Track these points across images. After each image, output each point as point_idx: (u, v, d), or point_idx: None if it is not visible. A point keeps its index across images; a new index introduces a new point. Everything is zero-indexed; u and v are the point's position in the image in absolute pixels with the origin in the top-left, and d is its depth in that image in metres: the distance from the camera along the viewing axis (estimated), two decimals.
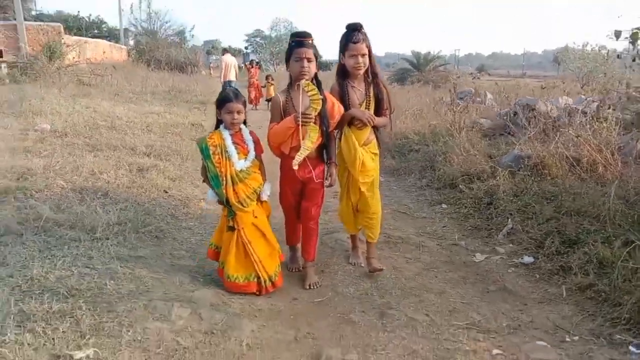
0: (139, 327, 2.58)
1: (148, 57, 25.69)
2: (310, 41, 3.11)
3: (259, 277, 3.10)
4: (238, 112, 3.08)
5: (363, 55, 3.23)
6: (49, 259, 3.17)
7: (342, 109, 3.26)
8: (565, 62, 20.77)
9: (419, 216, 4.88)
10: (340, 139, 3.44)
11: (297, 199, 3.38)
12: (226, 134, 3.12)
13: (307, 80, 3.03)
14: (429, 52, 31.52)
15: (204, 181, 3.24)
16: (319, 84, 3.11)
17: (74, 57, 17.55)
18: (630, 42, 3.79)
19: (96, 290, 2.86)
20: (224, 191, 3.05)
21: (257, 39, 49.27)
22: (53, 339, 2.39)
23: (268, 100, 14.36)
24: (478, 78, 20.96)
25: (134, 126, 8.47)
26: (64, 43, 17.09)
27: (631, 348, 2.54)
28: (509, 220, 4.20)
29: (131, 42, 32.43)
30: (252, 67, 17.61)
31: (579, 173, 4.93)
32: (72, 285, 2.86)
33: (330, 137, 3.29)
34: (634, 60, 3.98)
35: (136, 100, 12.38)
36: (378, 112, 3.41)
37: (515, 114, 7.03)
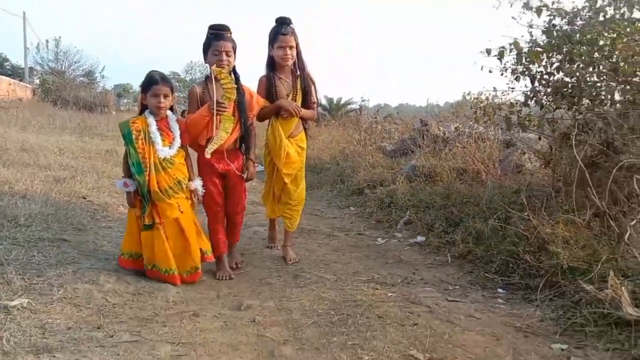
0: (69, 288, 2.78)
1: (55, 97, 24.87)
2: (229, 34, 3.11)
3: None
4: (164, 96, 2.97)
5: (291, 47, 3.34)
6: None
7: (261, 100, 3.33)
8: (463, 110, 22.73)
9: (329, 216, 5.35)
10: (267, 129, 3.53)
11: (220, 193, 3.29)
12: (151, 119, 2.99)
13: (225, 72, 3.03)
14: (341, 98, 33.08)
15: (123, 176, 3.08)
16: (237, 77, 3.15)
17: None
18: (497, 58, 4.55)
19: (25, 260, 3.02)
20: (147, 178, 2.92)
21: (174, 82, 49.19)
22: None
23: None
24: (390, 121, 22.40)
25: (46, 150, 8.34)
26: None
27: (499, 290, 3.09)
28: (406, 213, 4.77)
29: (37, 81, 31.20)
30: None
31: (466, 180, 5.66)
32: (0, 257, 2.99)
33: (248, 130, 3.26)
34: (501, 74, 4.75)
35: (45, 132, 12.08)
36: (305, 104, 3.50)
37: (414, 137, 7.83)
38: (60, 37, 31.28)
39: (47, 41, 31.51)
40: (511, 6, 4.57)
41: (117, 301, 2.75)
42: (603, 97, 4.13)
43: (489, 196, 4.36)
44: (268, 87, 3.43)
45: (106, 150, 9.54)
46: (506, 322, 2.57)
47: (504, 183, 5.19)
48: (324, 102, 33.57)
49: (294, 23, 3.42)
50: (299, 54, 3.44)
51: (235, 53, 3.14)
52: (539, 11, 4.33)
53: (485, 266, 3.40)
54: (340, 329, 2.47)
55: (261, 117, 3.50)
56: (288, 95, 3.45)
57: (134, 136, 2.94)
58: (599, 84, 4.14)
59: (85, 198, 5.12)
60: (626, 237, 2.58)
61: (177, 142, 3.05)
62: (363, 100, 17.96)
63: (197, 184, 3.15)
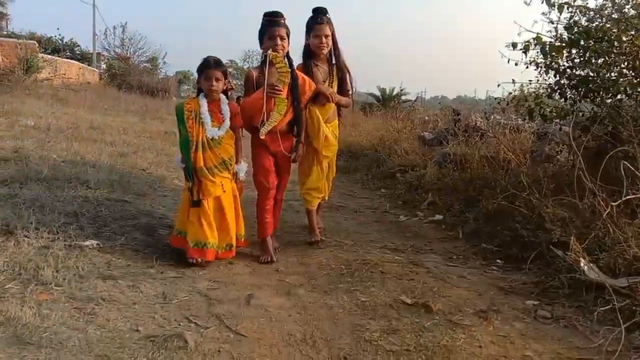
0: (129, 236, 3.39)
1: (120, 81, 26.29)
2: (282, 20, 3.24)
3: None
4: (217, 80, 3.10)
5: (326, 36, 3.48)
6: (54, 196, 3.93)
7: (313, 85, 3.41)
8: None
9: (361, 197, 5.80)
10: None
11: (273, 171, 3.37)
12: (203, 101, 3.13)
13: (280, 57, 3.15)
14: (394, 88, 33.10)
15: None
16: (290, 62, 3.27)
17: (49, 73, 18.16)
18: (523, 52, 4.83)
19: (94, 214, 3.66)
20: (192, 156, 3.07)
21: (230, 70, 50.59)
22: (65, 236, 3.16)
23: None
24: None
25: (112, 129, 9.19)
26: (41, 58, 17.68)
27: (497, 260, 3.46)
28: (430, 195, 5.15)
29: (103, 66, 32.98)
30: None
31: (495, 167, 5.95)
32: (74, 210, 3.64)
33: (300, 113, 3.37)
34: (526, 67, 5.03)
35: (111, 113, 13.08)
36: (340, 92, 3.63)
37: (454, 125, 8.12)
38: (126, 23, 32.79)
39: (114, 27, 33.25)
40: (542, 2, 4.83)
41: (168, 249, 3.32)
42: (621, 91, 4.34)
43: (507, 181, 4.67)
44: (305, 74, 3.49)
45: (165, 131, 10.32)
46: (492, 283, 2.96)
47: (528, 171, 5.48)
48: (376, 92, 33.83)
49: (329, 13, 3.56)
50: (334, 42, 3.56)
51: (288, 38, 3.27)
52: (560, 8, 4.58)
53: (490, 240, 3.76)
54: (347, 279, 2.94)
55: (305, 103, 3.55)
56: (324, 82, 3.56)
57: (185, 116, 3.10)
58: (615, 78, 4.35)
59: (145, 170, 5.80)
60: (604, 215, 2.89)
61: (227, 124, 3.17)
62: (420, 92, 17.97)
63: (242, 167, 3.29)
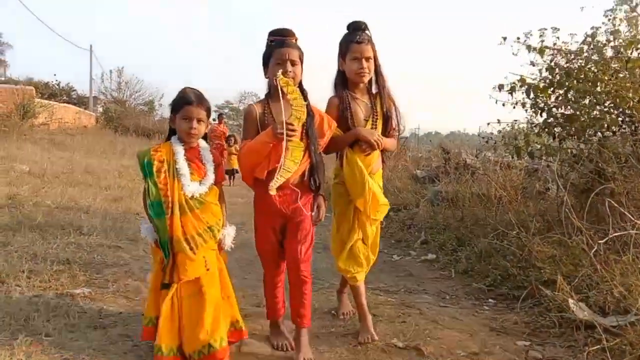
0: (121, 283, 3.39)
1: (116, 124, 26.56)
2: (293, 40, 2.51)
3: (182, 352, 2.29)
4: (199, 120, 2.37)
5: (368, 58, 2.66)
6: (47, 243, 3.95)
7: (333, 124, 2.63)
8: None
9: None
10: (341, 164, 2.78)
11: (278, 241, 2.58)
12: (178, 148, 2.38)
13: (292, 84, 2.37)
14: None
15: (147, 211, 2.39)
16: (304, 94, 2.47)
17: (45, 118, 18.37)
18: (509, 93, 4.97)
19: (87, 261, 3.68)
20: (167, 223, 2.26)
21: (226, 110, 51.20)
22: (57, 285, 3.17)
23: (228, 173, 10.49)
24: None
25: (108, 172, 9.27)
26: (38, 103, 17.92)
27: (489, 300, 3.47)
28: (422, 233, 5.19)
29: (100, 109, 33.38)
30: (220, 123, 12.35)
31: (487, 206, 6.01)
32: (67, 257, 3.66)
33: (319, 161, 2.58)
34: (513, 107, 5.16)
35: (107, 156, 13.18)
36: (384, 131, 2.78)
37: (445, 164, 8.23)
38: (122, 68, 33.39)
39: (110, 72, 33.82)
40: (529, 52, 4.99)
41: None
42: (603, 129, 4.46)
43: (498, 219, 4.72)
44: (341, 111, 2.69)
45: None
46: (484, 324, 2.97)
47: (519, 208, 5.54)
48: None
49: (370, 30, 2.74)
50: (377, 67, 2.74)
51: (302, 63, 2.51)
52: (541, 51, 4.75)
53: (482, 280, 3.78)
54: (339, 322, 2.94)
55: (330, 148, 2.75)
56: (367, 121, 2.72)
57: (154, 168, 2.31)
58: (598, 116, 4.47)
59: (138, 214, 5.81)
60: (591, 253, 2.93)
61: (210, 177, 2.42)
62: (413, 129, 18.14)
63: (228, 232, 2.51)
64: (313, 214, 2.58)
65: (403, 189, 7.06)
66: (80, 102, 35.82)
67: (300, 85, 2.51)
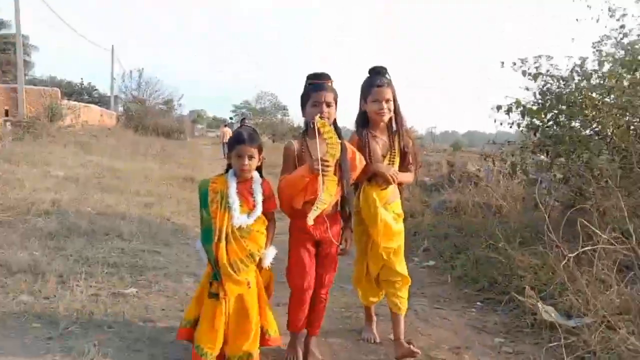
0: (161, 284, 3.98)
1: (136, 123, 27.32)
2: (329, 83, 2.79)
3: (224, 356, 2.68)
4: (250, 157, 2.65)
5: (387, 100, 2.93)
6: (95, 248, 4.57)
7: (363, 160, 2.89)
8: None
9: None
10: (358, 196, 3.01)
11: (312, 265, 2.84)
12: (232, 181, 2.66)
13: (328, 125, 2.67)
14: None
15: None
16: (339, 132, 2.78)
17: (71, 119, 19.20)
18: (506, 113, 5.48)
19: (131, 264, 4.28)
20: (214, 249, 2.57)
21: (243, 110, 52.06)
22: (109, 285, 3.77)
23: None
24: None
25: (134, 177, 9.90)
26: (65, 106, 18.73)
27: (478, 303, 4.00)
28: (425, 241, 5.72)
29: (120, 109, 34.30)
30: (242, 126, 12.90)
31: (486, 214, 6.51)
32: (114, 261, 4.27)
33: (350, 193, 2.85)
34: (510, 127, 5.67)
35: (131, 158, 13.87)
36: (403, 166, 3.07)
37: (451, 173, 8.73)
38: (143, 69, 34.30)
39: (130, 72, 34.79)
40: (524, 76, 5.49)
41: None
42: (587, 152, 4.94)
43: (492, 230, 5.23)
44: (360, 147, 2.96)
45: (183, 177, 11.00)
46: (469, 324, 3.51)
47: (515, 219, 6.03)
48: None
49: (390, 74, 3.02)
50: (396, 108, 3.01)
51: (336, 104, 2.80)
52: (535, 77, 5.25)
53: (473, 285, 4.30)
54: (346, 320, 3.50)
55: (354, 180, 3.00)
56: (384, 157, 2.99)
57: (209, 198, 2.64)
58: (583, 138, 4.95)
59: (168, 219, 6.43)
60: (562, 264, 3.44)
61: (259, 209, 2.69)
62: (430, 128, 18.54)
63: (269, 253, 2.78)
64: (341, 246, 2.89)
65: (411, 197, 7.56)
66: (102, 101, 36.84)
67: (335, 124, 2.80)
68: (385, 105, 2.93)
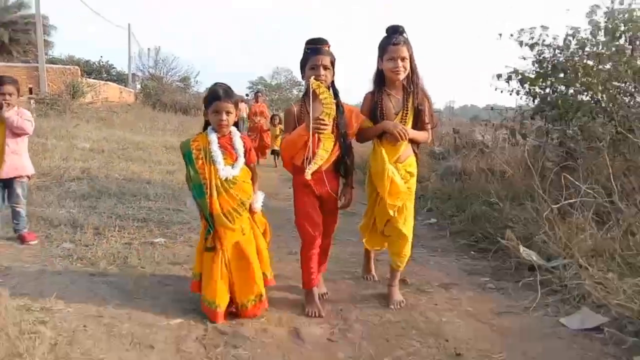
0: (186, 235, 4.44)
1: (154, 100, 27.79)
2: (326, 48, 2.91)
3: (231, 302, 2.87)
4: (227, 113, 2.76)
5: (403, 59, 2.94)
6: (125, 207, 5.05)
7: (361, 117, 3.04)
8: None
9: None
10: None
11: (319, 215, 3.03)
12: (212, 137, 2.79)
13: (323, 86, 2.82)
14: None
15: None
16: (335, 93, 2.93)
17: (92, 96, 19.75)
18: (505, 81, 5.78)
19: (158, 220, 4.75)
20: (207, 202, 2.76)
21: (259, 86, 52.34)
22: (139, 236, 4.25)
23: (274, 153, 11.22)
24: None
25: (156, 148, 10.40)
26: (85, 83, 19.28)
27: (471, 252, 4.39)
28: (429, 202, 6.10)
29: (138, 86, 34.79)
30: (257, 101, 12.34)
31: (489, 178, 6.85)
32: (143, 217, 4.74)
33: (348, 151, 3.01)
34: (510, 94, 5.96)
35: (152, 133, 14.39)
36: (417, 125, 3.09)
37: (455, 141, 9.05)
38: (159, 47, 34.69)
39: (148, 49, 35.22)
40: (521, 46, 5.75)
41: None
42: (582, 115, 5.23)
43: (494, 190, 5.59)
44: (372, 106, 3.06)
45: None
46: (460, 268, 3.91)
47: (516, 182, 6.37)
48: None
49: (407, 32, 3.03)
50: (412, 67, 3.01)
51: (333, 67, 2.93)
52: (532, 47, 5.53)
53: (468, 238, 4.69)
54: (350, 266, 3.93)
55: (362, 139, 3.15)
56: (397, 115, 3.04)
57: (194, 156, 2.78)
58: (576, 103, 5.24)
59: None
60: (544, 215, 3.80)
61: (241, 160, 2.85)
62: (448, 102, 18.59)
63: (257, 197, 2.98)
64: (339, 200, 3.07)
65: (420, 164, 7.91)
66: (119, 79, 37.36)
67: (332, 85, 2.94)
68: (400, 63, 2.94)
